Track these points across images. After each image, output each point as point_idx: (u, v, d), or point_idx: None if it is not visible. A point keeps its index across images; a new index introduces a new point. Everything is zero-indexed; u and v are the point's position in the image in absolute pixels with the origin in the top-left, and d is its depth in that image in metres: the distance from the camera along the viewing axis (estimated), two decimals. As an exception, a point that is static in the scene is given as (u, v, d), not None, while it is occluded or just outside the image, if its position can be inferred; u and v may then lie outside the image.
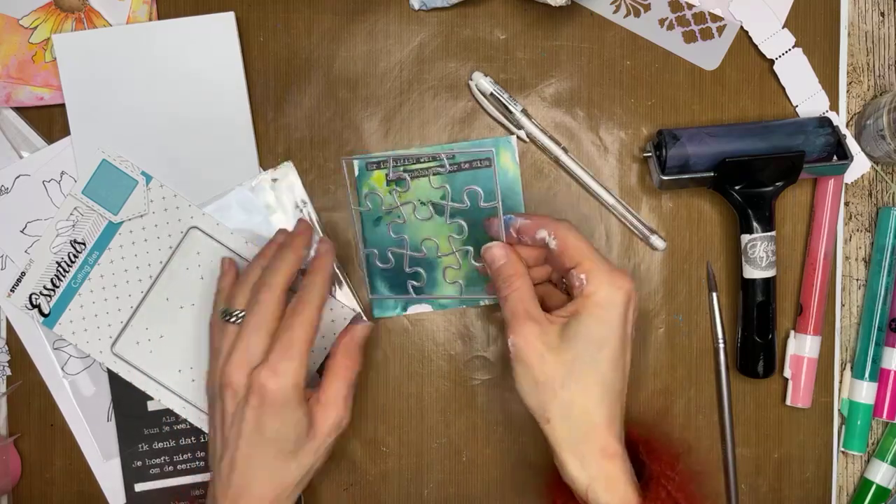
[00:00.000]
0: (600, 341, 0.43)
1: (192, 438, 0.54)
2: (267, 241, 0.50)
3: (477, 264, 0.48)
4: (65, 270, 0.53)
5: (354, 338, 0.49)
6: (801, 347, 0.54)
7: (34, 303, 0.53)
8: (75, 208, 0.53)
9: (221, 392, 0.45)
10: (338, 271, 0.54)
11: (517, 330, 0.44)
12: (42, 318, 0.53)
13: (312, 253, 0.49)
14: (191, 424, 0.54)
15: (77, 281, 0.53)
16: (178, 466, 0.55)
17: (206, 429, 0.54)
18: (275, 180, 0.54)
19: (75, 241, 0.53)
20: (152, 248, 0.53)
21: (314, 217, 0.54)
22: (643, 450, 0.46)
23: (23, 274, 0.53)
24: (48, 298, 0.53)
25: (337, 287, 0.54)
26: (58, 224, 0.53)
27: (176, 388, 0.53)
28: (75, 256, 0.53)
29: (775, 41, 0.54)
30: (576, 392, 0.43)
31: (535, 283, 0.46)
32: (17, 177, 0.54)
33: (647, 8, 0.55)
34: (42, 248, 0.53)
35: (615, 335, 0.43)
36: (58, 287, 0.53)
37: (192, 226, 0.53)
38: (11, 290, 0.53)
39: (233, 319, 0.46)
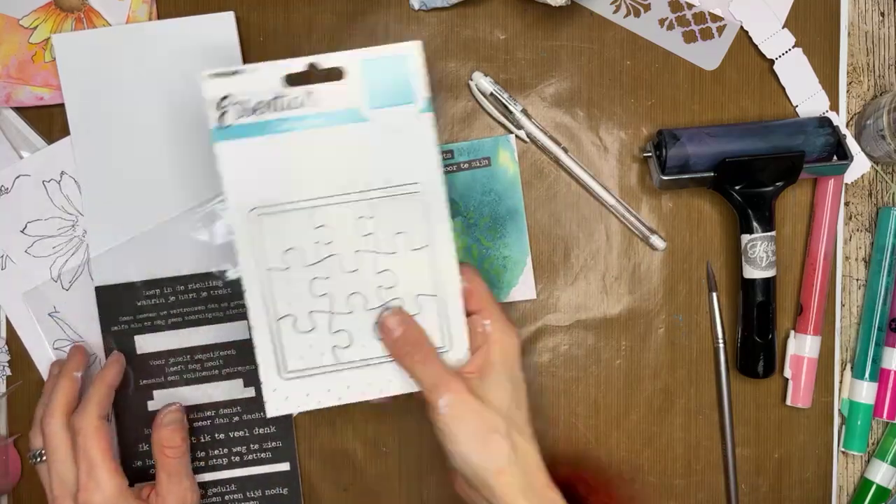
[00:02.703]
0: (512, 383, 0.44)
1: (192, 439, 0.54)
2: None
3: (377, 335, 0.45)
4: (274, 107, 0.43)
5: (163, 425, 0.50)
6: (801, 347, 0.54)
7: (223, 107, 0.44)
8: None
9: None
10: None
11: (450, 388, 0.42)
12: (217, 125, 0.44)
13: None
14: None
15: (276, 127, 0.44)
16: (178, 466, 0.55)
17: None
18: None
19: (310, 94, 0.43)
20: (372, 163, 0.44)
21: None
22: (581, 488, 0.47)
23: (237, 72, 0.44)
24: (239, 115, 0.44)
25: None
26: None
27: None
28: (294, 106, 0.43)
29: (775, 41, 0.54)
30: (517, 437, 0.43)
31: None
32: (17, 177, 0.54)
33: (647, 8, 0.55)
34: (276, 72, 0.43)
35: (519, 377, 0.44)
36: (257, 114, 0.44)
37: (418, 183, 0.44)
38: (215, 76, 0.43)
39: (38, 460, 0.50)
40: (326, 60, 0.44)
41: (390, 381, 0.45)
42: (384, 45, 0.44)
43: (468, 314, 0.45)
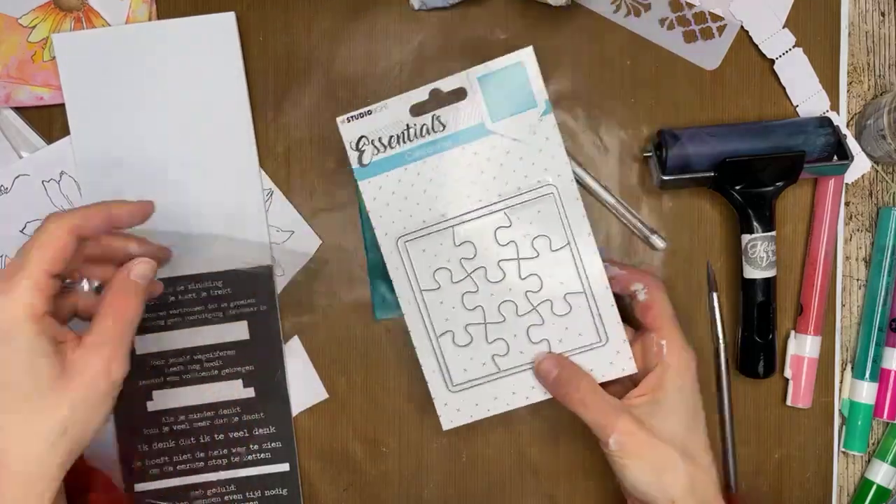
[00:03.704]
0: (686, 408, 0.44)
1: (192, 439, 0.54)
2: None
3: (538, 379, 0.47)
4: (405, 138, 0.47)
5: (131, 274, 0.42)
6: (802, 347, 0.54)
7: (360, 147, 0.47)
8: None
9: None
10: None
11: (615, 426, 0.42)
12: (358, 166, 0.47)
13: None
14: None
15: (409, 157, 0.47)
16: (178, 467, 0.54)
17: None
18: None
19: (438, 118, 0.47)
20: (503, 174, 0.47)
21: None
22: None
23: (368, 112, 0.47)
24: (375, 152, 0.47)
25: None
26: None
27: None
28: (423, 134, 0.47)
29: (775, 41, 0.54)
30: (691, 467, 0.43)
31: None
32: (17, 177, 0.54)
33: (648, 8, 0.55)
34: (402, 106, 0.47)
35: (694, 401, 0.45)
36: (391, 148, 0.47)
37: (550, 184, 0.47)
38: (349, 120, 0.47)
39: None
40: (446, 84, 0.47)
41: None
42: (496, 58, 0.46)
43: (646, 330, 0.46)
